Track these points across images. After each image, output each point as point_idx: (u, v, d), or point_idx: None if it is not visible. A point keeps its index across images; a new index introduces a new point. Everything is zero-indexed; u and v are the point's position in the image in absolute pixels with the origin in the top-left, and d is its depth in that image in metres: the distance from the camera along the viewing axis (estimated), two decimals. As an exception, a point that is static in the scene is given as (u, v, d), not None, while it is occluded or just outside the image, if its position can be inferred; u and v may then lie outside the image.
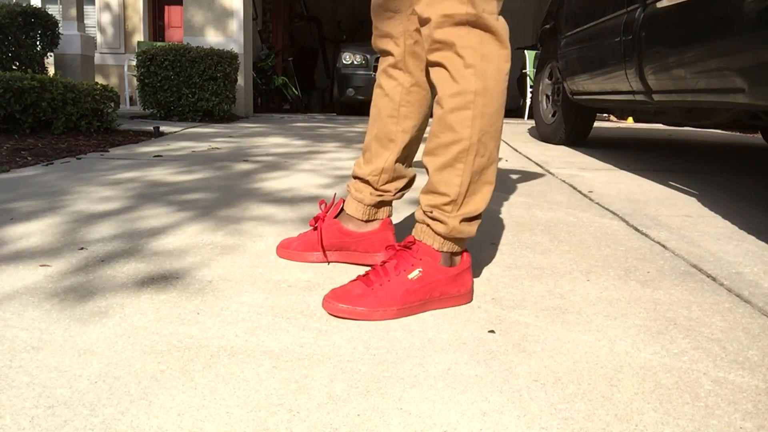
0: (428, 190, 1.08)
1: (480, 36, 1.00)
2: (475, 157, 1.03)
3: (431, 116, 1.11)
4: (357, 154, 3.28)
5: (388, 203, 1.30)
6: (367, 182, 1.27)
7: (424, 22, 1.03)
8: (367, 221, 1.29)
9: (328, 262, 1.29)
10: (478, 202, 1.07)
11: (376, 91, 1.26)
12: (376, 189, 1.27)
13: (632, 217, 1.80)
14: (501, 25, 1.02)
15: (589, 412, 0.75)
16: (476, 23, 0.99)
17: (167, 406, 0.74)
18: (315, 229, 1.30)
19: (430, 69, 1.06)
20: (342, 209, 1.32)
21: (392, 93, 1.22)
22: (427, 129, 1.15)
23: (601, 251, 1.44)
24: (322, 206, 1.32)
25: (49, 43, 6.29)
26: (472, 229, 1.08)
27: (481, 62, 1.00)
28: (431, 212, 1.06)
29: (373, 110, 1.27)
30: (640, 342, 0.95)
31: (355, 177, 1.30)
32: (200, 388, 0.78)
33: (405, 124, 1.23)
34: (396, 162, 1.25)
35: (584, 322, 1.02)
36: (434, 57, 1.03)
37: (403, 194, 1.30)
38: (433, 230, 1.07)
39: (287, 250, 1.32)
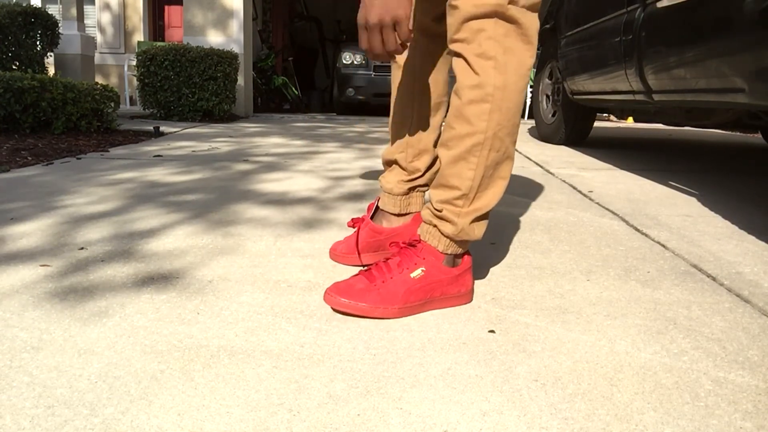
0: (439, 184, 1.07)
1: (505, 28, 0.98)
2: (490, 151, 1.02)
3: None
4: (357, 154, 3.27)
5: (421, 189, 1.29)
6: (395, 163, 1.26)
7: (452, 8, 1.01)
8: (399, 215, 1.28)
9: (363, 265, 1.27)
10: (490, 197, 1.05)
11: (393, 66, 1.25)
12: (405, 169, 1.25)
13: (632, 217, 1.80)
14: (529, 20, 1.00)
15: (589, 412, 0.75)
16: (504, 15, 0.97)
17: (167, 406, 0.74)
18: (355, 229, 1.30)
19: (453, 59, 1.05)
20: (377, 207, 1.31)
21: (405, 65, 1.21)
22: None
23: (601, 251, 1.44)
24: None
25: (49, 43, 6.29)
26: (480, 231, 1.07)
27: (503, 55, 0.99)
28: (441, 211, 1.05)
29: (393, 85, 1.26)
30: (640, 342, 0.95)
31: (386, 162, 1.29)
32: (200, 388, 0.78)
33: (421, 98, 1.22)
34: (419, 132, 1.23)
35: (584, 322, 1.02)
36: (456, 47, 1.02)
37: (435, 175, 1.28)
38: (440, 231, 1.06)
39: (335, 252, 1.33)
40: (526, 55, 1.01)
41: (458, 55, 1.02)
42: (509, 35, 0.99)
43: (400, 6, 0.96)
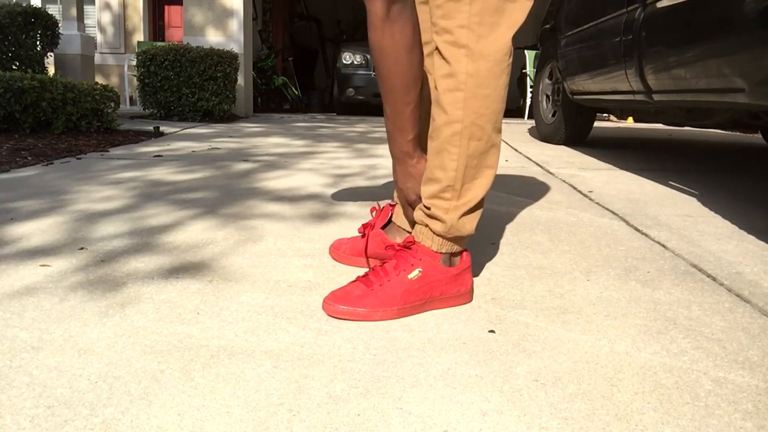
0: (427, 178, 1.06)
1: (479, 10, 0.95)
2: (470, 140, 1.00)
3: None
4: (357, 153, 3.27)
5: None
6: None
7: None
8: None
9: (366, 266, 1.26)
10: (477, 188, 1.04)
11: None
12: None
13: (632, 217, 1.80)
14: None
15: (589, 412, 0.75)
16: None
17: (167, 406, 0.74)
18: (363, 236, 1.28)
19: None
20: (390, 220, 1.28)
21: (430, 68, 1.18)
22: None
23: (601, 251, 1.44)
24: (373, 213, 1.30)
25: (49, 43, 6.29)
26: (471, 225, 1.06)
27: (477, 42, 0.97)
28: (430, 209, 1.05)
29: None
30: (640, 342, 0.95)
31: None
32: (200, 388, 0.78)
33: None
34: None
35: (584, 322, 1.02)
36: (433, 37, 1.00)
37: None
38: (431, 230, 1.06)
39: (337, 251, 1.32)
40: (502, 40, 0.98)
41: (434, 43, 1.01)
42: (484, 22, 0.96)
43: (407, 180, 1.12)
